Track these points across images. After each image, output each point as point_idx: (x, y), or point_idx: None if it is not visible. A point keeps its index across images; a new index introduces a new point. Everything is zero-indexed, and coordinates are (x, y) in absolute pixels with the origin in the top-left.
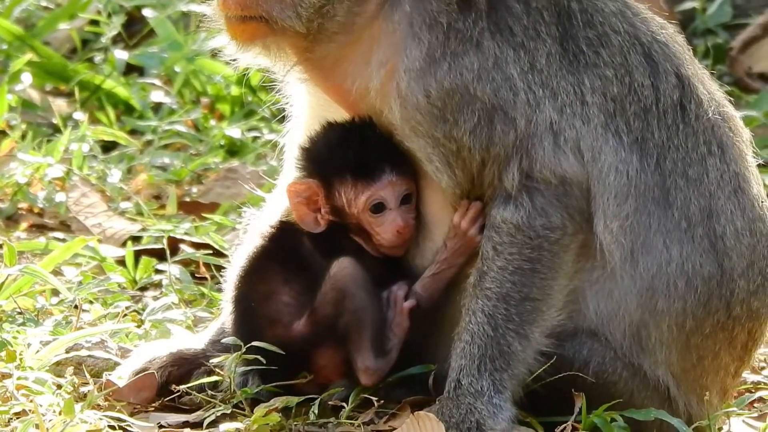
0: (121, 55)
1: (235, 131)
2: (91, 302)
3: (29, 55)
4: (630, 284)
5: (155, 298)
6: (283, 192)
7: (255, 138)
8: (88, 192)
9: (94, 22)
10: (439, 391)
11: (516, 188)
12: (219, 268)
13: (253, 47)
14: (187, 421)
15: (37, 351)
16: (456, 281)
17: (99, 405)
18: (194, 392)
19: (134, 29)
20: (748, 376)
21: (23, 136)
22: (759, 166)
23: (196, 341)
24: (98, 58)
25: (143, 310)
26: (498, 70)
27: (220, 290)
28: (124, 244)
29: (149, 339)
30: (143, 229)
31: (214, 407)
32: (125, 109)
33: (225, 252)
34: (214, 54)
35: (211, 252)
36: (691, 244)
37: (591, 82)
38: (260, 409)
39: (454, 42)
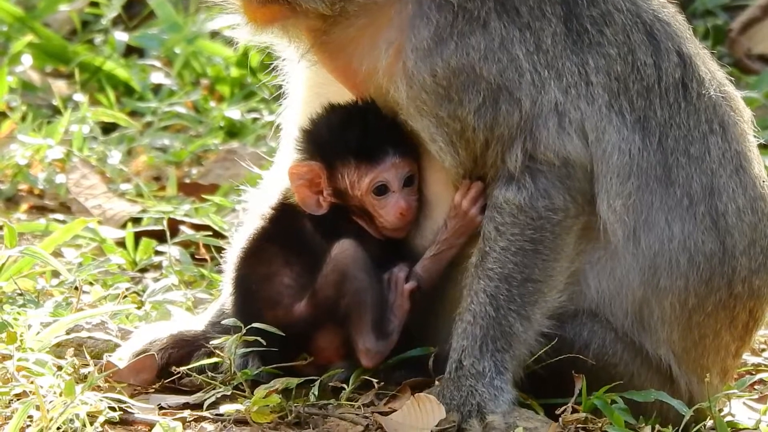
0: (121, 36)
1: (234, 112)
2: (91, 284)
3: (29, 37)
4: (632, 262)
5: (155, 280)
6: (281, 171)
7: (255, 119)
8: (88, 173)
9: (94, 4)
10: (439, 372)
11: (519, 169)
12: (219, 249)
13: (270, 29)
14: (187, 403)
15: (38, 332)
16: (455, 262)
17: (99, 386)
18: (194, 374)
19: (134, 11)
20: (748, 358)
21: (23, 118)
22: (759, 146)
23: (196, 323)
24: (98, 39)
25: (143, 291)
26: (504, 51)
27: (220, 271)
28: (124, 226)
29: (149, 320)
30: (143, 211)
31: (214, 389)
32: (125, 90)
33: (225, 233)
34: (214, 35)
35: (210, 233)
36: (693, 221)
37: (595, 62)
38: (260, 391)
39: (462, 22)
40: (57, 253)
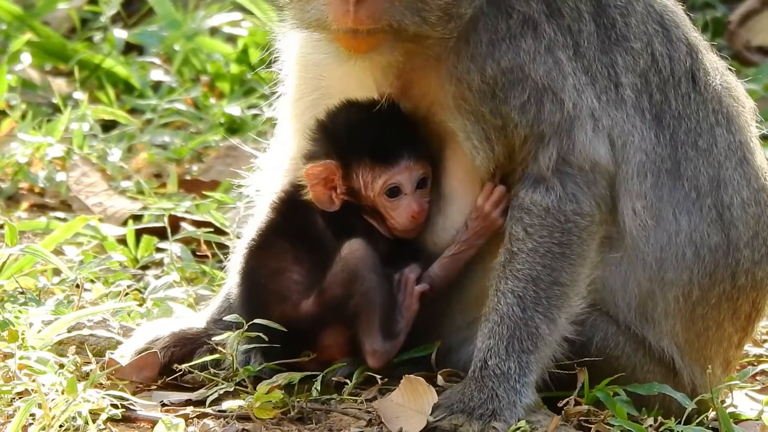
0: (120, 34)
1: (234, 109)
2: (92, 281)
3: (28, 35)
4: (641, 257)
5: (156, 277)
6: (281, 163)
7: (255, 116)
8: (88, 171)
9: (93, 2)
10: (441, 366)
11: (551, 170)
12: (220, 245)
13: (369, 55)
14: (190, 400)
15: (39, 330)
16: (470, 262)
17: (101, 384)
18: (197, 371)
19: (133, 8)
20: (750, 349)
21: (23, 116)
22: (760, 137)
23: (197, 319)
24: (97, 37)
25: (145, 288)
26: (549, 54)
27: (221, 268)
28: (125, 223)
29: (151, 317)
30: (144, 208)
31: (216, 385)
32: (125, 88)
33: (226, 230)
34: (214, 32)
35: (212, 230)
36: (699, 214)
37: (623, 60)
38: (263, 387)
39: (515, 24)
40: (58, 251)
